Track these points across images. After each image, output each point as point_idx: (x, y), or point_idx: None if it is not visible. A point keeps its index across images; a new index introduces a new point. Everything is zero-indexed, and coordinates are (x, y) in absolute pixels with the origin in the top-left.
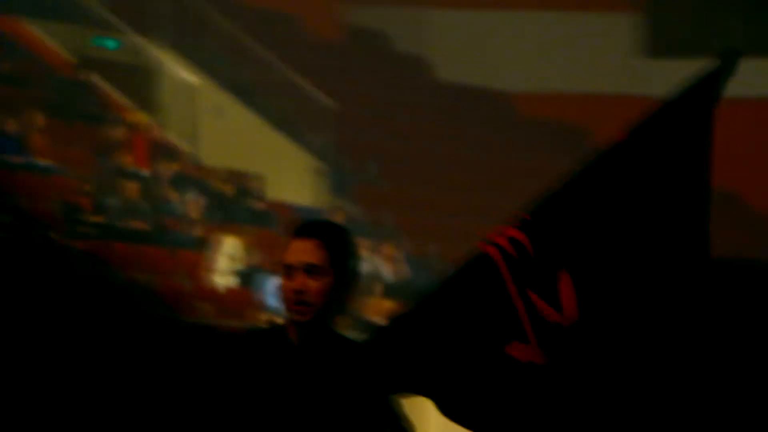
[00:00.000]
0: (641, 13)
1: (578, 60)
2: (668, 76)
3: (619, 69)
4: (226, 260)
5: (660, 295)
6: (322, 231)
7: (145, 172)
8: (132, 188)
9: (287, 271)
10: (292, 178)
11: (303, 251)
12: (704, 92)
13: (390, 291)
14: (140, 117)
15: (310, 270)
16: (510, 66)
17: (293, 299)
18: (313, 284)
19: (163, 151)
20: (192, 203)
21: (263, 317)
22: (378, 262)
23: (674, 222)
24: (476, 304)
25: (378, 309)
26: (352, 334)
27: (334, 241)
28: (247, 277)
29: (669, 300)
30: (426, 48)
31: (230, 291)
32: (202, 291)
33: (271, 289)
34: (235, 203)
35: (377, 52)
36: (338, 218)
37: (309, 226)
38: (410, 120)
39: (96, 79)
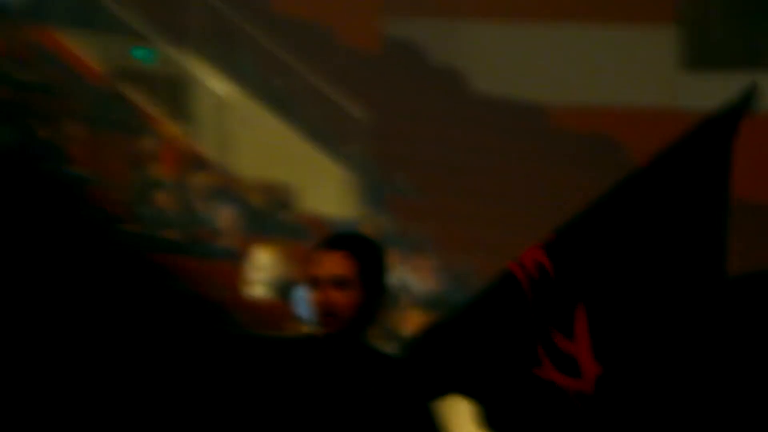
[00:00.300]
0: (681, 26)
1: (616, 73)
2: (708, 90)
3: (658, 82)
4: (259, 272)
5: (675, 327)
6: (350, 243)
7: (173, 182)
8: (165, 199)
9: (314, 283)
10: (325, 190)
11: (330, 264)
12: (724, 126)
13: (421, 303)
14: (172, 128)
15: (337, 282)
16: (546, 78)
17: (321, 312)
18: (340, 297)
19: (195, 162)
20: (224, 215)
21: (297, 329)
22: (409, 274)
23: (692, 252)
24: (500, 324)
25: (409, 321)
26: (384, 346)
27: (361, 252)
28: (280, 289)
29: (684, 330)
30: (462, 60)
31: (263, 303)
32: (236, 302)
33: (300, 299)
34: (268, 215)
35: (412, 64)
36: (370, 230)
37: (336, 237)
38: (444, 132)
39: (129, 90)
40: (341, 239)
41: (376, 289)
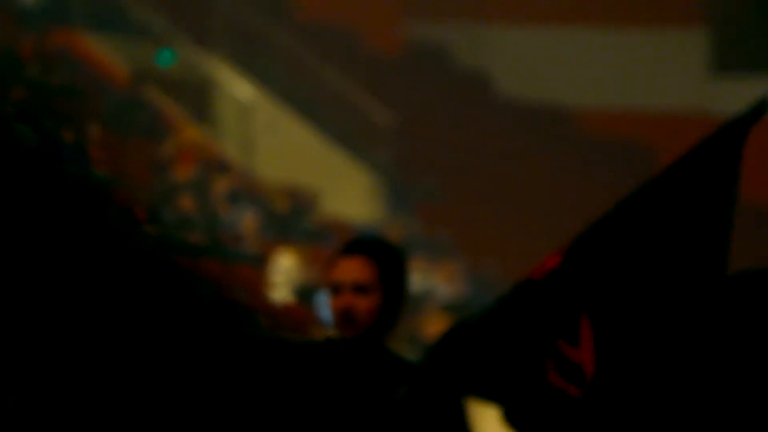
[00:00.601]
0: (711, 29)
1: (645, 77)
2: (738, 94)
3: (687, 86)
4: (281, 276)
5: (676, 329)
6: (371, 248)
7: (195, 186)
8: (187, 203)
9: (335, 288)
10: (349, 194)
11: (350, 269)
12: (736, 132)
13: (448, 308)
14: (195, 132)
15: (357, 288)
16: (573, 83)
17: (341, 317)
18: (360, 302)
19: (218, 165)
20: (247, 219)
21: (319, 333)
22: (435, 280)
23: (696, 256)
24: (514, 329)
25: (434, 325)
26: (408, 351)
27: (382, 258)
28: (304, 293)
29: (685, 332)
30: (488, 64)
31: (287, 307)
32: (259, 306)
33: (323, 303)
34: (291, 219)
35: (438, 68)
36: (395, 234)
37: (357, 243)
38: (470, 137)
39: (152, 93)
40: (362, 244)
41: (397, 294)
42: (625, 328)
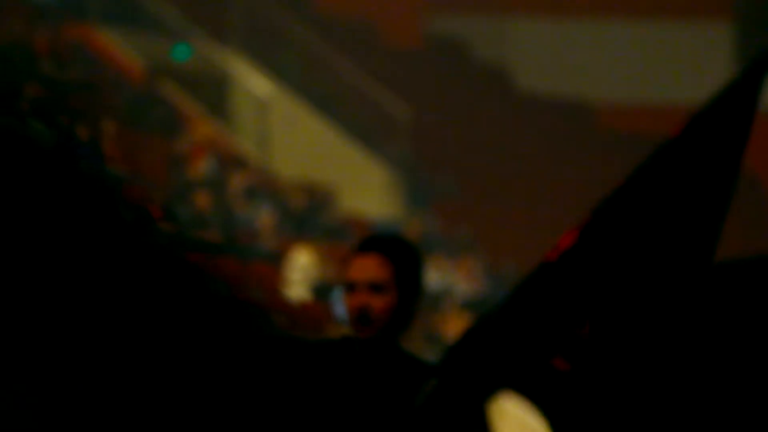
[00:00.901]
0: (737, 22)
1: (668, 71)
2: (763, 88)
3: (712, 80)
4: (299, 273)
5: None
6: (386, 246)
7: (212, 182)
8: (204, 199)
9: (350, 287)
10: (367, 191)
11: (366, 267)
12: (741, 99)
13: (467, 306)
14: (211, 127)
15: (373, 287)
16: (595, 77)
17: (356, 316)
18: (376, 301)
19: (235, 162)
20: (264, 215)
21: (336, 331)
22: (455, 277)
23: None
24: (531, 312)
25: (453, 323)
26: (426, 349)
27: (398, 256)
28: (321, 291)
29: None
30: (508, 58)
31: (303, 305)
32: (275, 304)
33: (340, 300)
34: (308, 216)
35: (457, 63)
36: (413, 231)
37: (372, 241)
38: (490, 132)
39: (168, 88)
40: (377, 242)
41: (413, 292)
42: (620, 307)
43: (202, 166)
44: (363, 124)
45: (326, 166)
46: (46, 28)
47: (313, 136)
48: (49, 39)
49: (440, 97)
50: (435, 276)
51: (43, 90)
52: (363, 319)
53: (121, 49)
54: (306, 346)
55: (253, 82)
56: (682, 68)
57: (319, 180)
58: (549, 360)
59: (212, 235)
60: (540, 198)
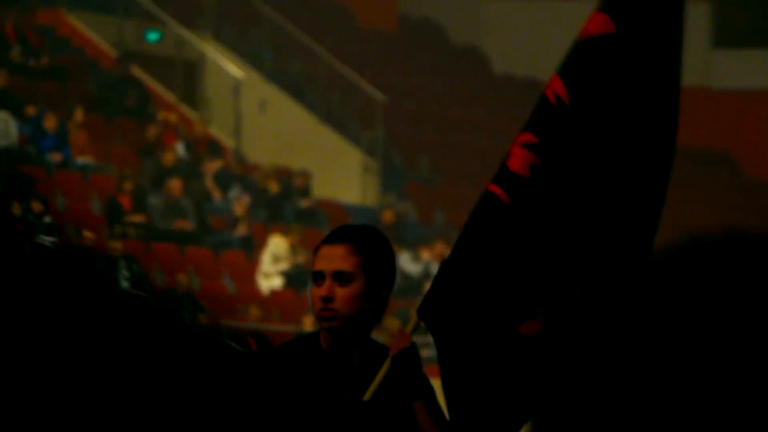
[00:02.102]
0: (713, 5)
1: None
2: (739, 69)
3: (688, 61)
4: (271, 260)
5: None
6: (353, 236)
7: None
8: (175, 186)
9: (316, 277)
10: (342, 176)
11: (331, 257)
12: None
13: None
14: (183, 113)
15: (338, 277)
16: None
17: (321, 306)
18: (341, 291)
19: (207, 148)
20: (237, 201)
21: (310, 319)
22: (430, 261)
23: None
24: (490, 259)
25: None
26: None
27: (365, 245)
28: (294, 277)
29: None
30: (482, 40)
31: (276, 293)
32: (247, 293)
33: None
34: (283, 201)
35: (432, 44)
36: (391, 216)
37: (338, 231)
38: (465, 114)
39: (139, 73)
40: (342, 232)
41: (382, 282)
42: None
43: (175, 153)
44: (336, 108)
45: (300, 151)
46: (16, 14)
47: (287, 121)
48: (19, 25)
49: (414, 79)
50: (414, 262)
51: (11, 77)
52: (328, 309)
53: (91, 34)
54: (267, 358)
55: (225, 67)
56: None
57: (294, 165)
58: (514, 329)
59: (186, 224)
60: None
